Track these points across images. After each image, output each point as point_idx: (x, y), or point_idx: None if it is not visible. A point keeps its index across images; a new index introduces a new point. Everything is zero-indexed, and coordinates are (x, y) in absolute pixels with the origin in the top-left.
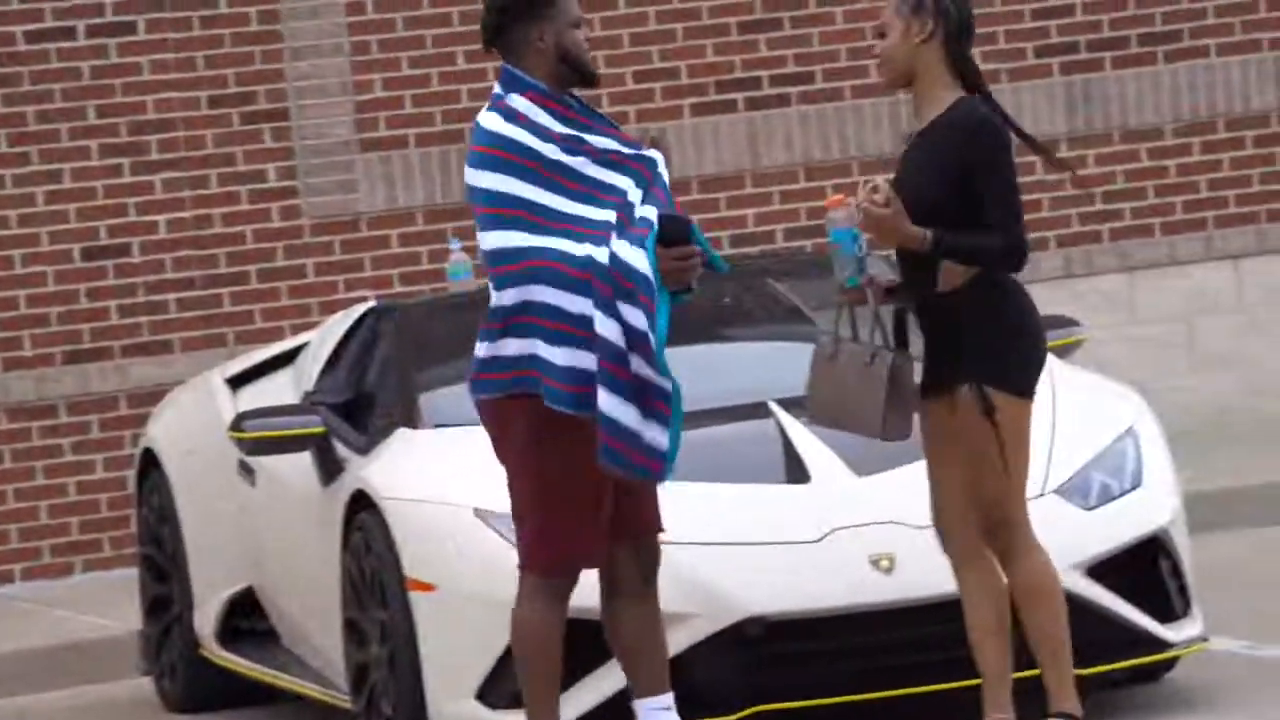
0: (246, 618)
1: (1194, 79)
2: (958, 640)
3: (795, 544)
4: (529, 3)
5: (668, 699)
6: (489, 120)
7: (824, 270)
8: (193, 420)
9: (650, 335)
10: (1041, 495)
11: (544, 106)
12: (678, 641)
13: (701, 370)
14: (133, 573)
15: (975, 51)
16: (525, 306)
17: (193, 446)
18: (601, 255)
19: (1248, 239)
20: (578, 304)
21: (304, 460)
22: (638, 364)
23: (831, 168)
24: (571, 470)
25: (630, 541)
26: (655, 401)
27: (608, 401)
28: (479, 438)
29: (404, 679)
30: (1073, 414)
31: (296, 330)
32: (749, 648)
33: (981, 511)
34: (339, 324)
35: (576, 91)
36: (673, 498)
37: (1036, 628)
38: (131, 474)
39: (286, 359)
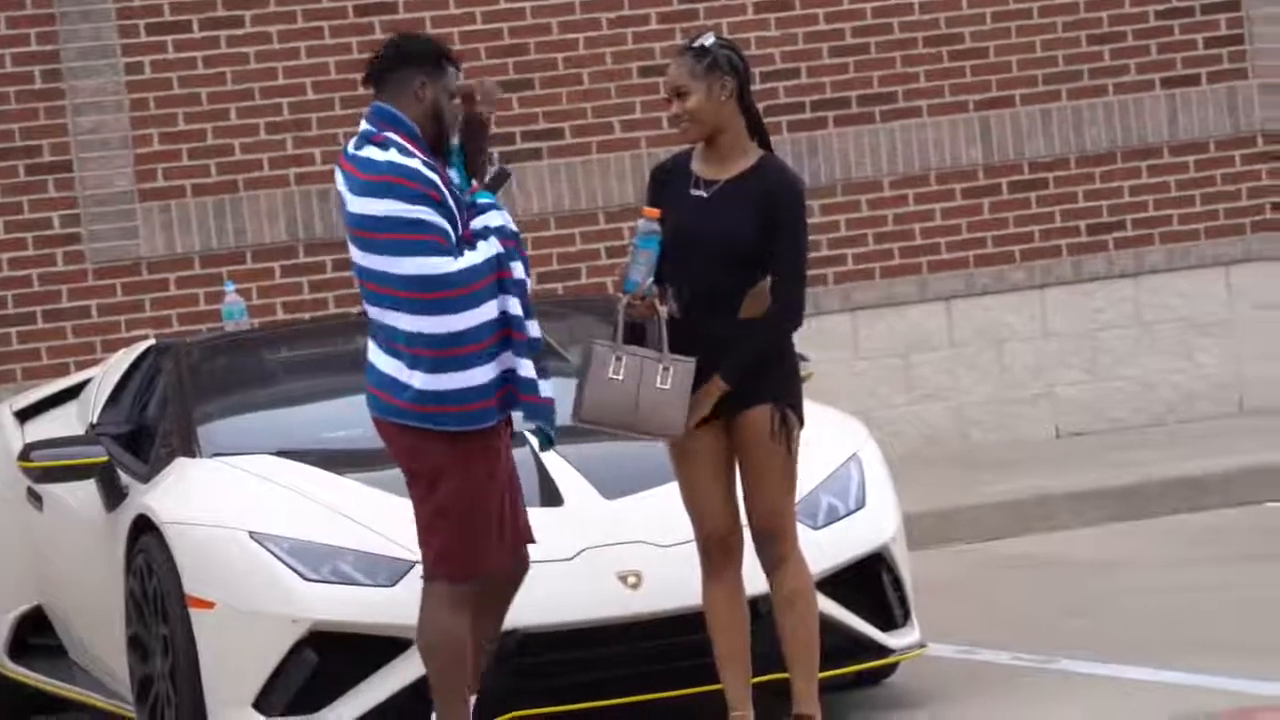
0: (36, 634)
1: (908, 136)
2: (700, 649)
3: (549, 562)
4: (424, 54)
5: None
6: (376, 152)
7: (573, 310)
8: None
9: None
10: None
11: (421, 153)
12: None
13: None
14: None
15: None
16: (465, 334)
17: None
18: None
19: (958, 282)
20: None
21: (89, 488)
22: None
23: (581, 216)
24: (481, 486)
25: (512, 553)
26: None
27: (521, 364)
28: (254, 466)
29: (185, 690)
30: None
31: (81, 366)
32: (506, 659)
33: (758, 522)
34: (121, 361)
35: None
36: None
37: (792, 633)
38: None
39: (72, 393)
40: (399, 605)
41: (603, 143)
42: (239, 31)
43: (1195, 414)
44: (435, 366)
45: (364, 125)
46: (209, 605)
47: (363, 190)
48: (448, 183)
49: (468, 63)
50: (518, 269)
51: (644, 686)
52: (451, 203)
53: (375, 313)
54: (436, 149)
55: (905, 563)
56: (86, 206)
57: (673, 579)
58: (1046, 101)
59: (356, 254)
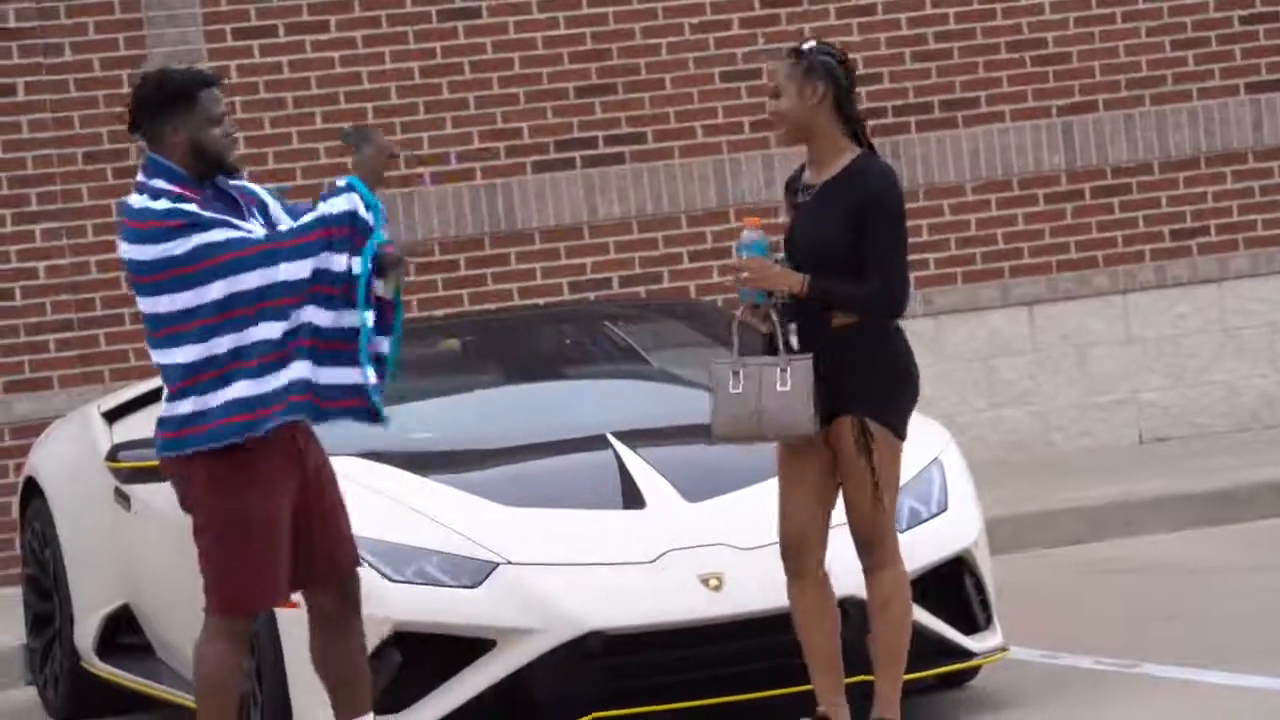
0: (123, 633)
1: (990, 141)
2: (780, 651)
3: (632, 564)
4: (164, 100)
5: (369, 717)
6: (138, 200)
7: (656, 313)
8: (72, 451)
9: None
10: None
11: (181, 190)
12: (523, 654)
13: (544, 406)
14: (18, 591)
15: None
16: (234, 353)
17: (72, 475)
18: (298, 269)
19: (1040, 287)
20: (279, 328)
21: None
22: (343, 318)
23: (663, 220)
24: (247, 518)
25: (334, 582)
26: (344, 344)
27: (309, 370)
28: (338, 468)
29: (271, 689)
30: None
31: None
32: (589, 660)
33: (854, 529)
34: None
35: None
36: (518, 522)
37: (881, 636)
38: (14, 501)
39: (158, 394)
40: (483, 606)
41: (685, 147)
42: (324, 36)
43: None
44: (208, 387)
45: (138, 175)
46: (295, 605)
47: (126, 237)
48: (211, 201)
49: (553, 67)
50: (339, 261)
51: (725, 688)
52: (218, 214)
53: (160, 355)
54: (216, 172)
55: (987, 566)
56: None
57: (754, 581)
58: (1130, 107)
59: (139, 301)
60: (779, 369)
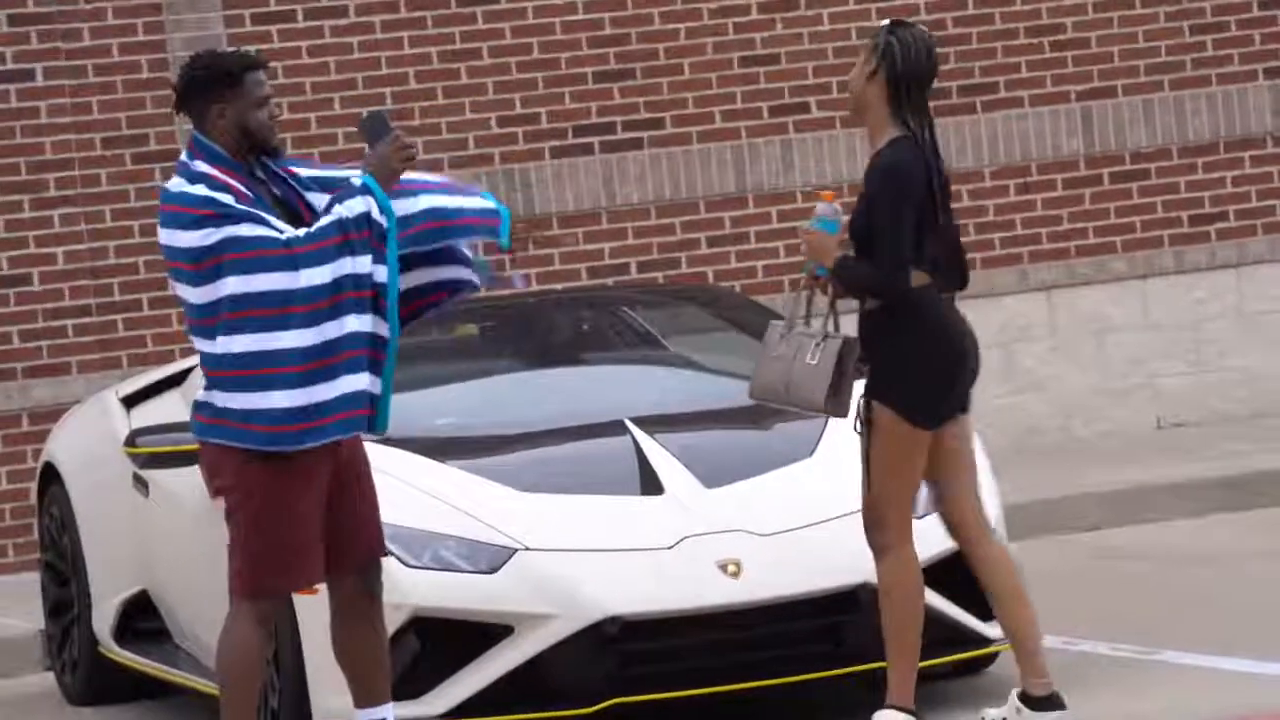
0: (141, 618)
1: (1009, 127)
2: (798, 638)
3: (649, 550)
4: (211, 81)
5: (389, 708)
6: (175, 184)
7: (673, 298)
8: (90, 437)
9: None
10: None
11: (223, 174)
12: (541, 640)
13: (562, 391)
14: (36, 577)
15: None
16: (260, 356)
17: (90, 461)
18: (322, 274)
19: (1058, 272)
20: (311, 336)
21: (194, 473)
22: (377, 325)
23: (681, 205)
24: (280, 505)
25: (356, 569)
26: (379, 354)
27: (368, 381)
28: None
29: (288, 676)
30: None
31: (186, 353)
32: (606, 646)
33: (862, 511)
34: None
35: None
36: (536, 508)
37: (885, 623)
38: (33, 486)
39: (177, 380)
40: (500, 591)
41: (703, 132)
42: (343, 21)
43: None
44: (233, 386)
45: (182, 155)
46: (312, 591)
47: (161, 221)
48: (251, 192)
49: (571, 52)
50: (362, 264)
51: (743, 675)
52: (255, 207)
53: (196, 343)
54: (260, 153)
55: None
56: None
57: (773, 568)
58: (1149, 92)
59: (175, 286)
60: (814, 343)
